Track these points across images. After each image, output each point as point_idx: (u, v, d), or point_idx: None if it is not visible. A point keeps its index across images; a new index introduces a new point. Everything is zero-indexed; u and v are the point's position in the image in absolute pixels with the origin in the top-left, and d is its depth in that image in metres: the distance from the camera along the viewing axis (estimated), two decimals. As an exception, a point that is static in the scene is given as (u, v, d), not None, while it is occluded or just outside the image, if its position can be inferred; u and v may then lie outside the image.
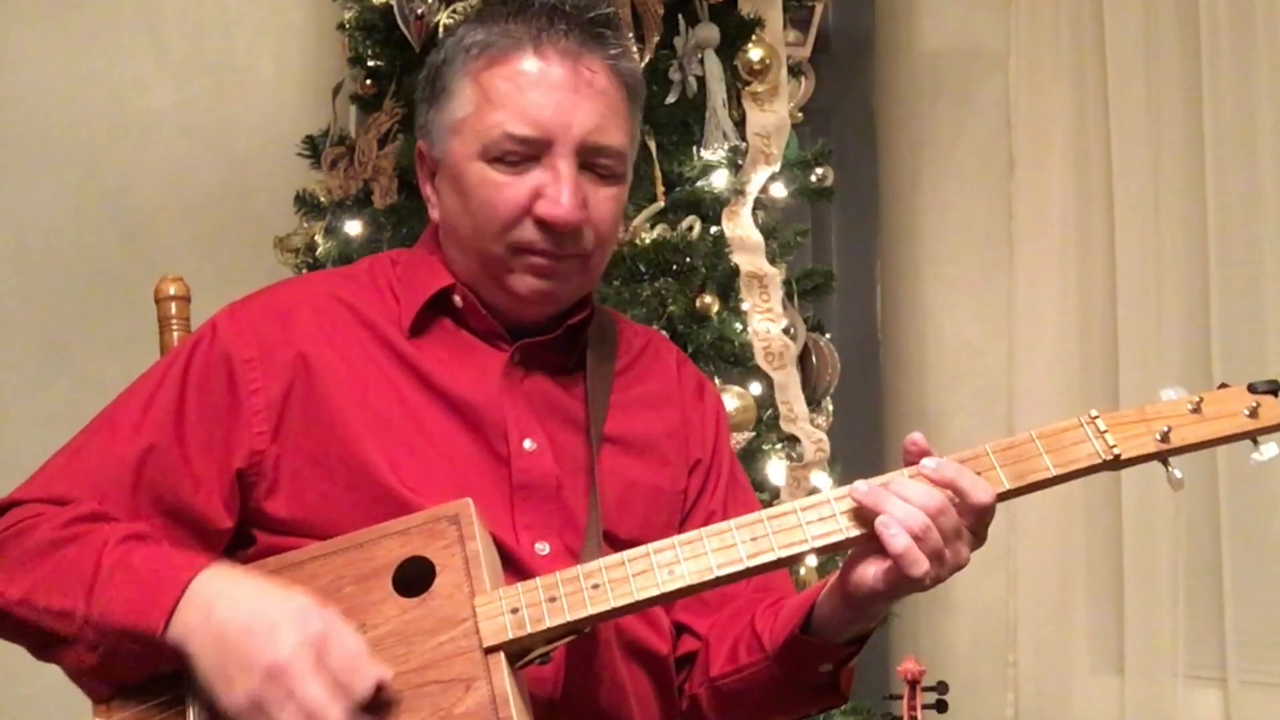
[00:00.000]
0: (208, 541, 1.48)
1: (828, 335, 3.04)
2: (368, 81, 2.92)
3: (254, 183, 3.39)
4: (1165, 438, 1.41)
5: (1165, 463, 1.43)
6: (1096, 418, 1.43)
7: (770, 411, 2.77)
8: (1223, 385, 1.47)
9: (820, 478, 2.79)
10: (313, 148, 3.04)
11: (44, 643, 1.36)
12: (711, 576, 1.36)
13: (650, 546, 1.37)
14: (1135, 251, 3.30)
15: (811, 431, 2.80)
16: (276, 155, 3.25)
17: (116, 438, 1.48)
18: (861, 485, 1.38)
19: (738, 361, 2.73)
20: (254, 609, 1.28)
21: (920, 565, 1.34)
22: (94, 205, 3.27)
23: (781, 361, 2.76)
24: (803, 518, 1.38)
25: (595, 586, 1.35)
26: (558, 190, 1.48)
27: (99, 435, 1.51)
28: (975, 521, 1.39)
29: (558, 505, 1.52)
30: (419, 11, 2.72)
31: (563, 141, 1.49)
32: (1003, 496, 1.40)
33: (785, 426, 2.78)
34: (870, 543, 1.37)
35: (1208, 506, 3.15)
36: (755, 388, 2.74)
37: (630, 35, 1.62)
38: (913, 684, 2.13)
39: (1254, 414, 1.43)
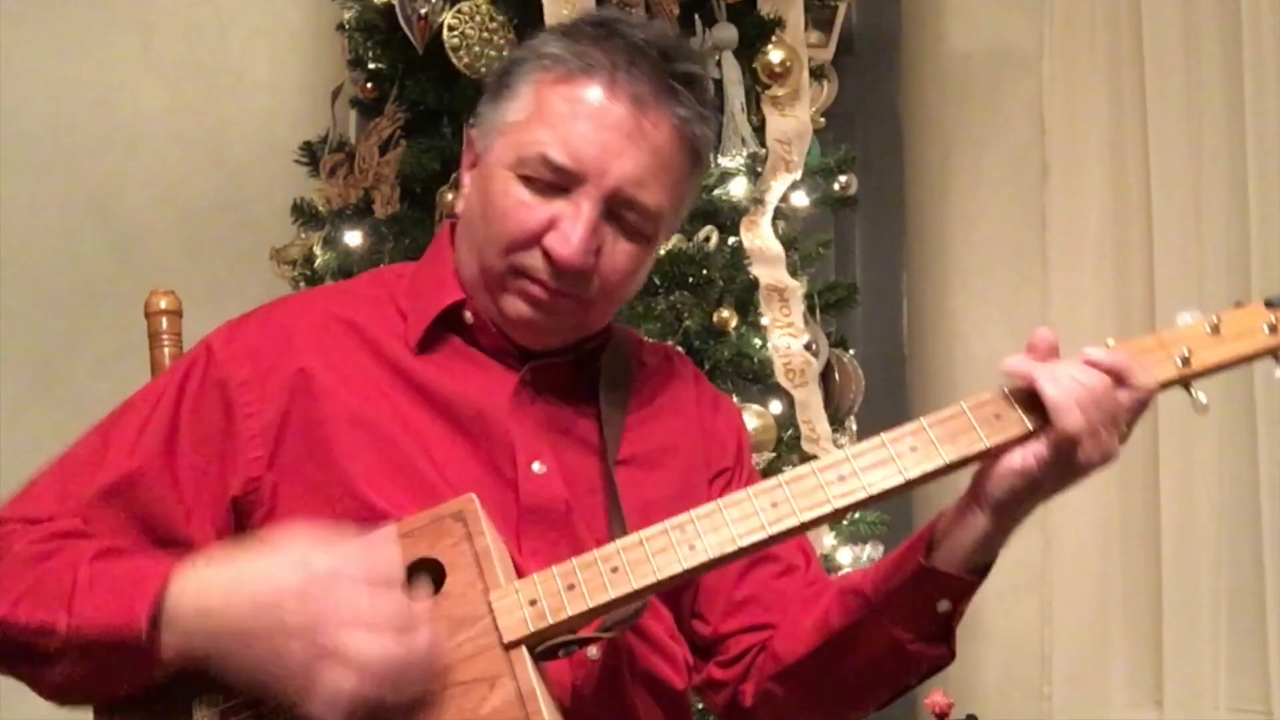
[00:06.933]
0: None
1: (851, 351, 3.06)
2: (368, 85, 2.92)
3: (249, 191, 3.39)
4: (1186, 361, 1.42)
5: (1188, 387, 1.44)
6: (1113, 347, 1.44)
7: (791, 431, 2.78)
8: (1238, 303, 1.48)
9: (844, 500, 2.78)
10: (311, 154, 3.03)
11: (30, 661, 1.34)
12: (735, 548, 1.34)
13: (667, 523, 1.35)
14: (1175, 262, 3.29)
15: (834, 452, 2.72)
16: (273, 162, 3.25)
17: (106, 462, 1.46)
18: (1015, 358, 1.39)
19: (757, 379, 2.74)
20: (250, 587, 1.23)
21: (1089, 435, 1.34)
22: (81, 214, 3.27)
23: (803, 379, 2.76)
24: (822, 478, 1.36)
25: (614, 570, 1.33)
26: (571, 228, 1.47)
27: (87, 457, 1.48)
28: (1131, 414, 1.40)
29: (566, 532, 1.49)
30: (422, 11, 2.73)
31: (594, 183, 1.47)
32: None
33: (807, 447, 2.77)
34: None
35: (1250, 532, 3.13)
36: (775, 406, 2.76)
37: (713, 99, 1.65)
38: (941, 717, 2.11)
39: (1274, 330, 1.44)
